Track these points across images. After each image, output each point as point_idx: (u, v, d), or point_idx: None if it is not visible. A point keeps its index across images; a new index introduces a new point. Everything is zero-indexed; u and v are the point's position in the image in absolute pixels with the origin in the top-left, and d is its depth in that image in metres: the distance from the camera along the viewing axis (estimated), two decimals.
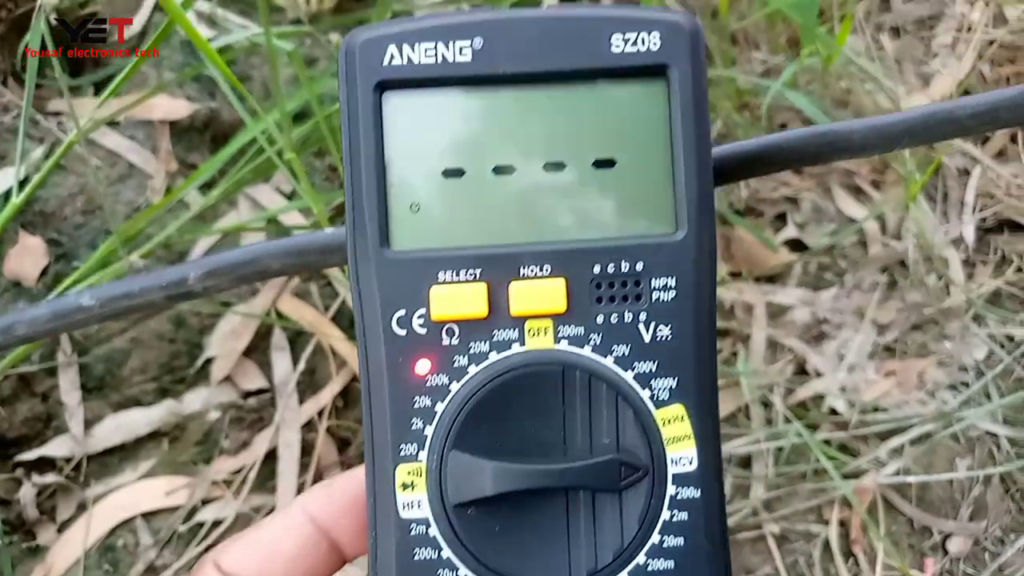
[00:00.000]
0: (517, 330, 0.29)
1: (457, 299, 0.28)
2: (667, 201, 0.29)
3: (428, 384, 0.28)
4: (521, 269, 0.29)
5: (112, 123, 0.92)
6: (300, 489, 0.75)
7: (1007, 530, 0.84)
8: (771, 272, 0.95)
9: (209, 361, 0.81)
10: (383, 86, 0.29)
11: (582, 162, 0.29)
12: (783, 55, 1.03)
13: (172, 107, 0.97)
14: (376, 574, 0.28)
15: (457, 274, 0.28)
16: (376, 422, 0.28)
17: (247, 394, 0.80)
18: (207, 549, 0.74)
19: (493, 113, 0.29)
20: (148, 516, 0.74)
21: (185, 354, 0.81)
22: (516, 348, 0.28)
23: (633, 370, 0.28)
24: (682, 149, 0.29)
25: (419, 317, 0.28)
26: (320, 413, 0.79)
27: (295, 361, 0.82)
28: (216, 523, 0.74)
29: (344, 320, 0.85)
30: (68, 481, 0.74)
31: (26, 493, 0.72)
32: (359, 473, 0.30)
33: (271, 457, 0.76)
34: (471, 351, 0.28)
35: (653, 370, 0.28)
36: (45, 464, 0.75)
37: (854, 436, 0.86)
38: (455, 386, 0.28)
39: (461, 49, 0.28)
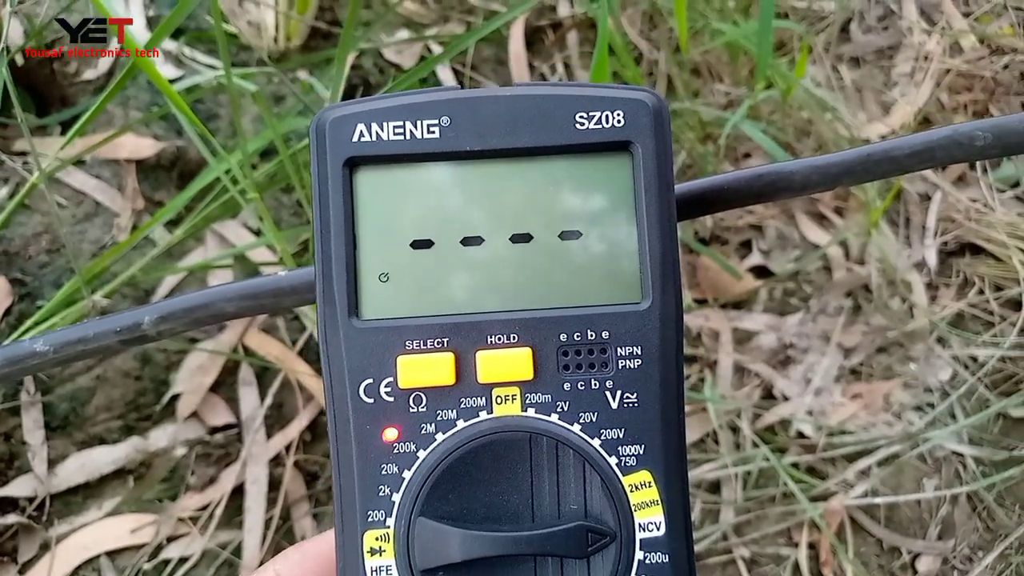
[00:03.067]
0: (484, 398, 0.30)
1: (424, 368, 0.30)
2: (632, 271, 0.31)
3: (395, 451, 0.29)
4: (488, 338, 0.30)
5: (79, 162, 0.96)
6: (268, 524, 0.78)
7: (975, 548, 0.87)
8: (737, 299, 1.00)
9: (176, 397, 0.83)
10: (353, 162, 0.30)
11: (549, 233, 0.31)
12: (745, 87, 1.09)
13: (138, 145, 1.01)
14: None
15: (424, 343, 0.30)
16: (344, 488, 0.30)
17: (214, 430, 0.83)
18: None
19: (461, 187, 0.31)
20: (113, 554, 0.76)
21: (151, 391, 0.84)
22: (483, 416, 0.30)
23: (600, 437, 0.30)
24: (646, 221, 0.30)
25: (386, 385, 0.30)
26: (288, 447, 0.82)
27: (262, 396, 0.85)
28: (182, 560, 0.76)
29: (311, 354, 0.88)
30: (31, 521, 0.76)
31: None
32: (330, 536, 0.31)
33: (238, 492, 0.79)
34: (438, 418, 0.30)
35: (620, 437, 0.30)
36: (7, 504, 0.76)
37: (822, 459, 0.90)
38: (422, 453, 0.29)
39: (429, 127, 0.30)
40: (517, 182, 0.31)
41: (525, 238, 0.31)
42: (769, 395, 0.94)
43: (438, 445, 0.29)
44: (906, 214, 1.11)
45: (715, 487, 0.86)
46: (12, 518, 0.75)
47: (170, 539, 0.76)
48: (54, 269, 0.90)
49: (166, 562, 0.76)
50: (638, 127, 0.30)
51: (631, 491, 0.29)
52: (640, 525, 0.29)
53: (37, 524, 0.76)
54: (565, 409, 0.30)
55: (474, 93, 0.31)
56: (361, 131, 0.30)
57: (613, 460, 0.29)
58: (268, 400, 0.84)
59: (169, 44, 1.02)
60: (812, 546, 0.85)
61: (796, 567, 0.84)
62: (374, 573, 0.29)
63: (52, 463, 0.78)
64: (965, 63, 1.20)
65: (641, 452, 0.30)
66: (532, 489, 0.29)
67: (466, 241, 0.31)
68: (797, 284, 1.03)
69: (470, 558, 0.28)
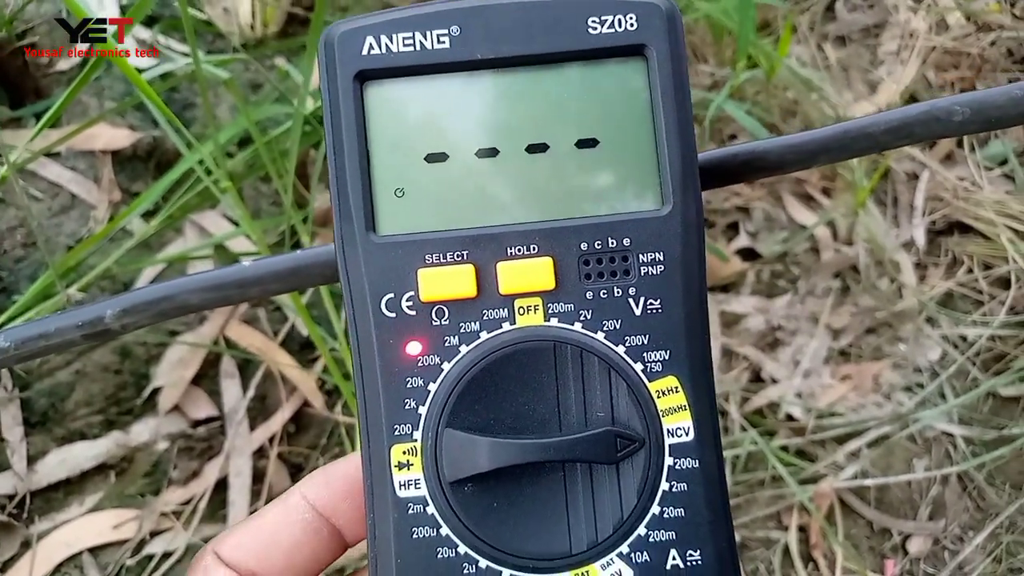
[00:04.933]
0: (507, 309, 0.30)
1: (445, 280, 0.30)
2: (651, 178, 0.31)
3: (420, 364, 0.30)
4: (508, 249, 0.30)
5: (53, 154, 0.95)
6: None
7: (966, 528, 0.88)
8: (724, 281, 1.00)
9: (157, 391, 0.83)
10: (363, 76, 0.30)
11: (565, 142, 0.31)
12: (729, 68, 1.09)
13: (114, 136, 1.00)
14: (375, 555, 0.29)
15: (444, 256, 0.30)
16: (369, 404, 0.30)
17: (196, 423, 0.83)
18: None
19: (473, 98, 0.31)
20: (95, 551, 0.76)
21: (132, 385, 0.83)
22: (506, 327, 0.30)
23: (625, 344, 0.30)
24: (664, 126, 0.30)
25: (408, 299, 0.30)
26: (271, 439, 0.82)
27: (245, 388, 0.85)
28: (166, 555, 0.76)
29: (294, 344, 0.88)
30: (11, 519, 0.76)
31: None
32: (357, 457, 0.31)
33: (222, 486, 0.79)
34: (462, 331, 0.30)
35: (645, 343, 0.30)
36: None
37: (811, 441, 0.90)
38: (447, 366, 0.30)
39: (439, 37, 0.30)
40: (530, 91, 0.31)
41: (541, 148, 0.31)
42: (757, 378, 0.94)
43: (462, 357, 0.29)
44: (894, 194, 1.12)
45: None
46: None
47: (153, 534, 0.76)
48: (30, 263, 0.90)
49: (149, 557, 0.76)
50: (652, 30, 0.30)
51: (658, 397, 0.30)
52: (668, 431, 0.29)
53: (17, 522, 0.76)
54: (588, 317, 0.30)
55: (484, 1, 0.31)
56: (371, 44, 0.30)
57: (639, 366, 0.30)
58: (251, 392, 0.84)
59: (143, 32, 1.01)
60: (802, 529, 0.86)
61: (786, 550, 0.84)
62: (403, 487, 0.29)
63: (32, 460, 0.78)
64: (952, 40, 1.20)
65: (667, 358, 0.30)
66: (558, 398, 0.29)
67: (481, 153, 0.31)
68: (785, 266, 1.03)
69: (499, 466, 0.28)
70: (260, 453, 0.81)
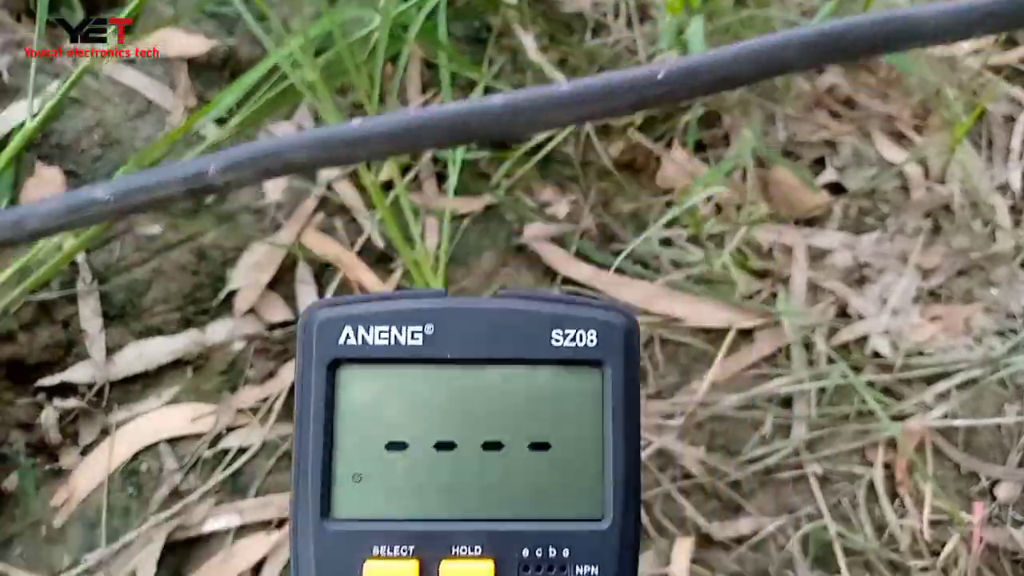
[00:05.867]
0: None
1: (390, 575, 0.31)
2: (596, 489, 0.32)
3: None
4: (453, 548, 0.31)
5: (130, 61, 0.95)
6: None
7: None
8: (810, 215, 0.97)
9: (232, 293, 0.83)
10: (337, 363, 0.32)
11: (519, 443, 0.33)
12: None
13: (189, 43, 0.99)
14: None
15: (391, 549, 0.31)
16: None
17: (272, 326, 0.82)
18: (234, 475, 0.75)
19: (439, 392, 0.33)
20: (172, 442, 0.76)
21: (208, 286, 0.83)
22: None
23: None
24: (611, 440, 0.32)
25: None
26: None
27: (320, 295, 0.84)
28: (242, 450, 0.76)
29: (371, 255, 0.87)
30: (90, 407, 0.76)
31: (48, 417, 0.74)
32: None
33: None
34: None
35: None
36: (67, 390, 0.76)
37: (899, 379, 0.87)
38: None
39: (413, 333, 0.32)
40: (493, 391, 0.33)
41: (496, 446, 0.32)
42: (844, 314, 0.91)
43: None
44: (989, 136, 1.07)
45: (787, 402, 0.84)
46: (72, 402, 0.75)
47: (230, 429, 0.76)
48: (107, 162, 0.89)
49: (226, 451, 0.76)
50: (610, 348, 0.33)
51: None
52: None
53: (96, 409, 0.76)
54: None
55: (459, 303, 0.33)
56: (348, 333, 0.32)
57: None
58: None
59: None
60: (887, 466, 0.83)
61: (871, 486, 0.82)
62: None
63: (110, 351, 0.78)
64: None
65: None
66: None
67: (439, 446, 0.32)
68: (873, 203, 1.00)
69: None
70: None
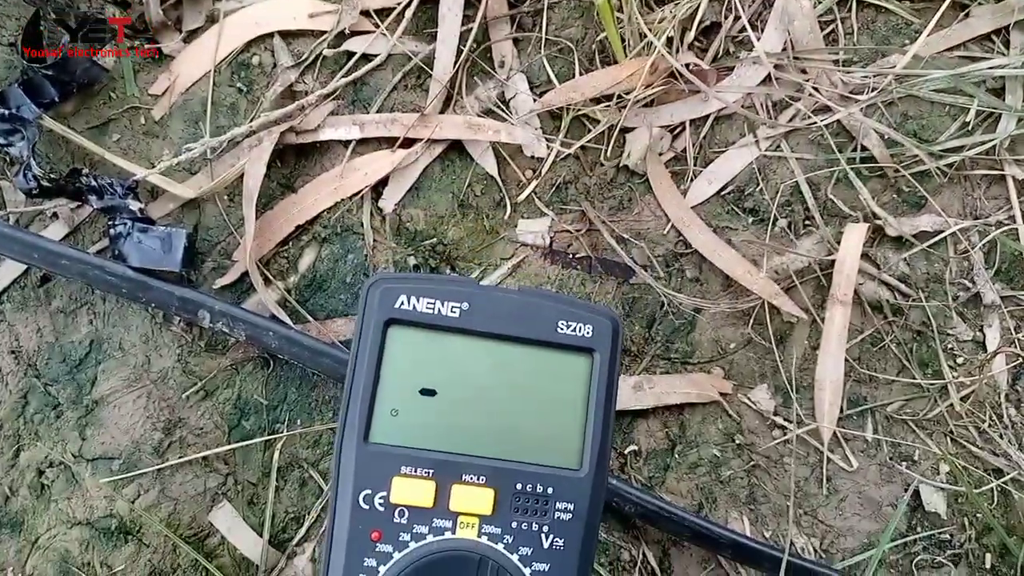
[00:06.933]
0: (451, 521, 0.41)
1: (412, 489, 0.40)
2: (577, 444, 0.42)
3: (377, 549, 0.40)
4: (463, 475, 0.41)
5: None
6: (463, 39, 0.66)
7: None
8: None
9: None
10: (390, 322, 0.42)
11: (523, 403, 0.42)
12: None
13: None
14: None
15: (415, 470, 0.41)
16: (332, 570, 0.40)
17: None
18: (356, 86, 0.66)
19: (467, 356, 0.42)
20: (288, 36, 0.66)
21: None
22: (448, 535, 0.40)
23: (531, 567, 0.41)
24: (592, 409, 0.42)
25: (380, 498, 0.40)
26: None
27: None
28: (366, 57, 0.66)
29: None
30: None
31: None
32: None
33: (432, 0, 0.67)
34: (414, 530, 0.40)
35: (545, 570, 0.41)
36: None
37: None
38: (397, 555, 0.40)
39: (452, 307, 0.42)
40: (508, 359, 0.43)
41: (505, 403, 0.42)
42: None
43: (410, 551, 0.40)
44: None
45: (999, 92, 0.71)
46: None
47: (353, 32, 0.66)
48: None
49: (349, 54, 0.66)
50: (601, 339, 0.43)
51: None
52: None
53: None
54: (510, 541, 0.41)
55: (491, 290, 0.44)
56: (403, 300, 0.42)
57: None
58: None
59: None
60: None
61: None
62: None
63: None
64: None
65: None
66: None
67: (462, 396, 0.42)
68: None
69: None
70: None
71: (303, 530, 0.61)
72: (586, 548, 0.41)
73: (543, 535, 0.41)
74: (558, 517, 0.41)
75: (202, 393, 0.62)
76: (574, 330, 0.42)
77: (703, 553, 0.63)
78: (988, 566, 0.64)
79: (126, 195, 0.61)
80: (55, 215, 0.63)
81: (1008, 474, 0.65)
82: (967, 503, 0.65)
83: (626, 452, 0.64)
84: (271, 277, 0.64)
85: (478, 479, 0.41)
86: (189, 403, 0.62)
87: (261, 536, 0.60)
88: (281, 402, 0.63)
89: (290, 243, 0.65)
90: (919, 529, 0.64)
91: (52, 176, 0.59)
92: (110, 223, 0.60)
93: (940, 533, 0.64)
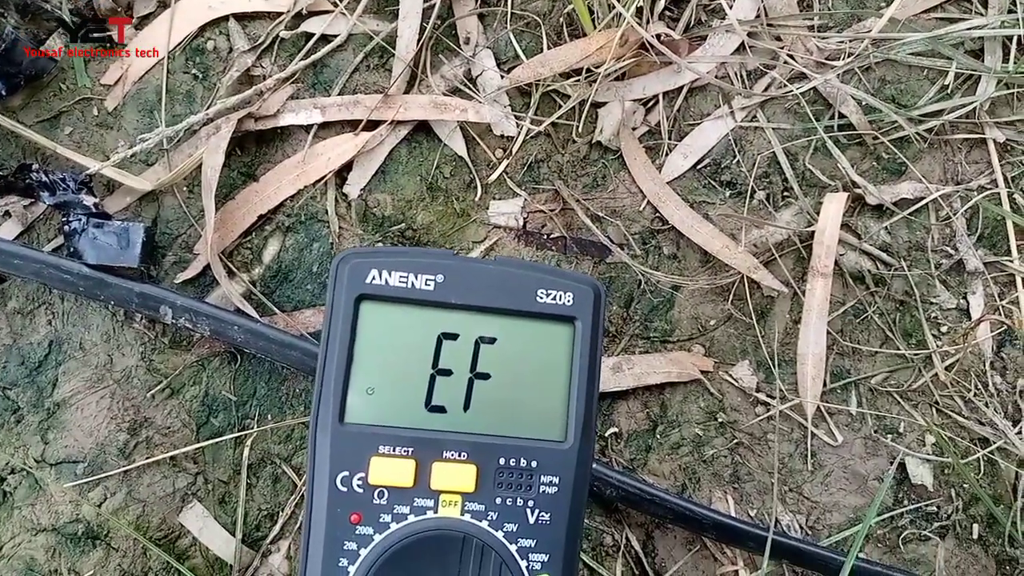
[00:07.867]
0: (433, 500, 0.39)
1: (391, 469, 0.39)
2: (561, 416, 0.41)
3: (357, 532, 0.38)
4: (444, 452, 0.40)
5: None
6: (424, 16, 0.64)
7: None
8: None
9: None
10: (361, 298, 0.40)
11: (504, 375, 0.41)
12: None
13: None
14: None
15: (393, 449, 0.39)
16: (311, 557, 0.38)
17: None
18: (315, 68, 0.64)
19: (442, 329, 0.41)
20: (243, 19, 0.64)
21: None
22: (430, 515, 0.39)
23: (517, 544, 0.39)
24: (576, 380, 0.41)
25: (358, 479, 0.39)
26: None
27: None
28: (325, 38, 0.64)
29: None
30: None
31: None
32: None
33: None
34: (394, 511, 0.39)
35: (532, 546, 0.39)
36: None
37: None
38: (378, 537, 0.38)
39: (426, 280, 0.41)
40: (486, 332, 0.41)
41: (485, 376, 0.41)
42: None
43: (391, 532, 0.39)
44: None
45: (978, 52, 0.69)
46: None
47: (311, 12, 0.64)
48: None
49: (308, 35, 0.64)
50: (583, 307, 0.42)
51: None
52: None
53: None
54: (494, 518, 0.40)
55: (465, 261, 0.42)
56: (373, 275, 0.40)
57: (524, 563, 0.39)
58: None
59: None
60: None
61: None
62: None
63: None
64: None
65: (546, 560, 0.40)
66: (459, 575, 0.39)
67: (439, 372, 0.41)
68: None
69: None
70: None
71: (277, 527, 0.60)
72: (573, 523, 0.40)
73: (528, 510, 0.39)
74: (543, 491, 0.40)
75: (168, 391, 0.61)
76: (554, 299, 0.41)
77: (688, 535, 0.62)
78: (975, 536, 0.64)
79: (80, 190, 0.59)
80: (7, 213, 0.61)
81: (994, 443, 0.64)
82: (953, 474, 0.64)
83: (607, 435, 0.63)
84: (235, 269, 0.62)
85: (459, 455, 0.39)
86: (155, 402, 0.61)
87: (234, 535, 0.59)
88: (250, 397, 0.61)
89: (253, 233, 0.63)
90: (906, 502, 0.64)
91: (0, 173, 0.57)
92: (64, 220, 0.58)
93: (927, 505, 0.64)
